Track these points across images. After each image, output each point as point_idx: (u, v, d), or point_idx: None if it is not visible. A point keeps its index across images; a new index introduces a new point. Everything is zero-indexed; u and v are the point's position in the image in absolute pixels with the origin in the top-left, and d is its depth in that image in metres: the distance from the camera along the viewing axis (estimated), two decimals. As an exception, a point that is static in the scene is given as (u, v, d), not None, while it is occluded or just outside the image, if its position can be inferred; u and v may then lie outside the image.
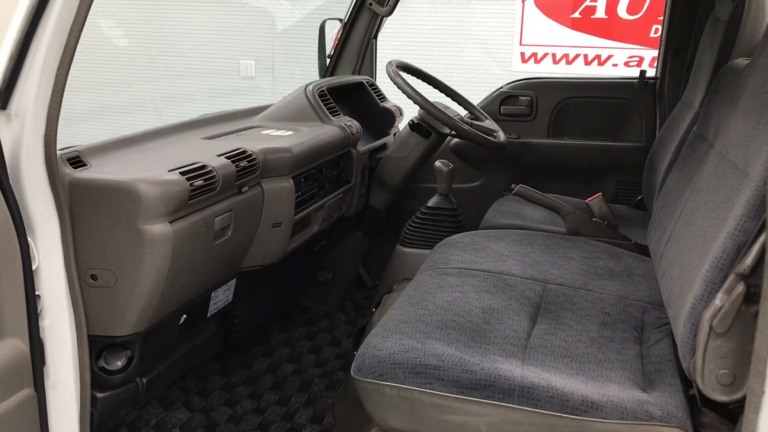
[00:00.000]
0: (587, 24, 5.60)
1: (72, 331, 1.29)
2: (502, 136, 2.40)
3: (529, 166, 2.73)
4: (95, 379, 1.39)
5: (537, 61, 5.76)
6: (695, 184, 1.54)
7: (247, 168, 1.60)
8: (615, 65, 5.60)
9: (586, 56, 5.64)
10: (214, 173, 1.48)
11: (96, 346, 1.39)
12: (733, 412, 1.18)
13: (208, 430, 1.84)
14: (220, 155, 1.57)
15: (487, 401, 1.23)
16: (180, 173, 1.40)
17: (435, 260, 1.81)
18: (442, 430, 1.26)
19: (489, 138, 2.29)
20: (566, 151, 2.72)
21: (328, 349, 2.28)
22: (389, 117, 2.62)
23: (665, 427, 1.18)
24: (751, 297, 1.08)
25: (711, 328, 1.12)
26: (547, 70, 5.69)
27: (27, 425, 1.19)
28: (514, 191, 2.14)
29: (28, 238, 1.20)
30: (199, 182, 1.42)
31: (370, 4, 2.69)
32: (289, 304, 2.44)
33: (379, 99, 2.66)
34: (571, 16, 5.61)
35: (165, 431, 1.79)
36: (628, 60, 5.56)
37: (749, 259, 1.07)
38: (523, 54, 5.79)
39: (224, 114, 2.11)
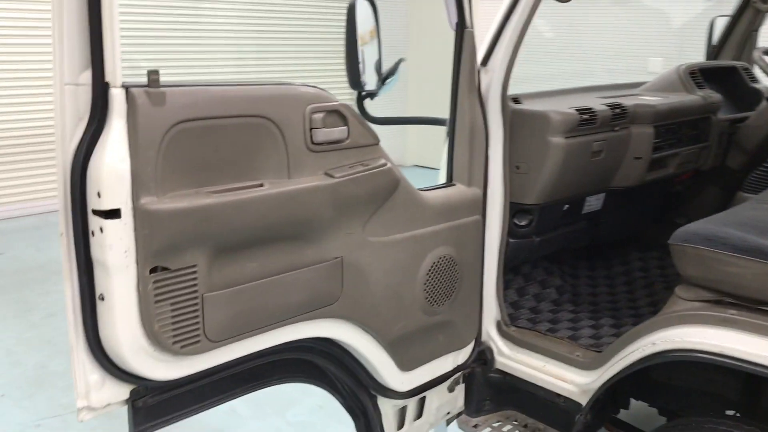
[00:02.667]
0: None
1: (501, 195, 2.27)
2: None
3: None
4: (510, 229, 2.36)
5: None
6: None
7: (619, 114, 2.42)
8: None
9: None
10: (596, 113, 2.33)
11: (513, 209, 2.36)
12: None
13: (574, 295, 2.71)
14: (603, 104, 2.41)
15: (753, 259, 1.86)
16: (575, 109, 2.29)
17: (763, 196, 2.39)
18: (720, 276, 1.93)
19: None
20: None
21: (672, 269, 2.96)
22: (756, 96, 3.12)
23: None
24: None
25: None
26: None
27: (477, 237, 2.20)
28: None
29: (490, 140, 2.21)
30: (585, 116, 2.29)
31: (754, 2, 3.22)
32: (647, 231, 3.16)
33: (751, 81, 3.18)
34: None
35: (546, 287, 2.72)
36: None
37: None
38: None
39: (615, 84, 2.94)
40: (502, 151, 2.25)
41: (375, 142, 1.83)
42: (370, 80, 2.18)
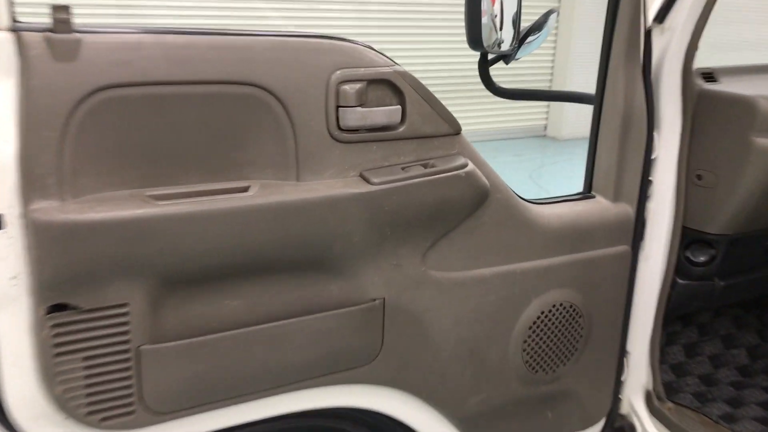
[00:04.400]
0: None
1: (670, 217, 1.54)
2: None
3: None
4: (679, 265, 1.62)
5: None
6: None
7: None
8: None
9: None
10: None
11: (686, 237, 1.62)
12: None
13: (775, 363, 1.89)
14: None
15: None
16: None
17: None
18: None
19: None
20: None
21: None
22: None
23: None
24: None
25: None
26: None
27: (619, 275, 1.51)
28: None
29: (654, 132, 1.48)
30: (820, 109, 1.47)
31: None
32: None
33: None
34: None
35: (732, 346, 1.92)
36: None
37: None
38: None
39: None
40: (678, 151, 1.51)
41: (453, 131, 1.21)
42: (504, 39, 1.58)
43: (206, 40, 0.99)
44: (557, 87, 8.16)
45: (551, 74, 8.24)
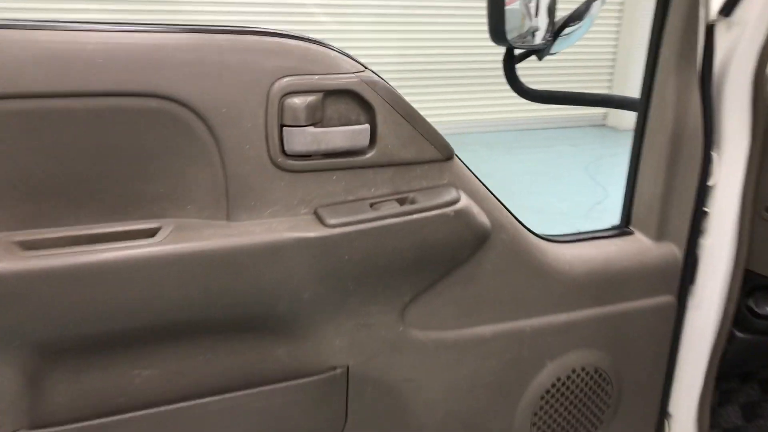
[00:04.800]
0: None
1: (730, 258, 1.23)
2: None
3: None
4: (738, 316, 1.32)
5: None
6: None
7: None
8: None
9: None
10: None
11: (749, 283, 1.31)
12: None
13: None
14: None
15: None
16: None
17: None
18: None
19: None
20: None
21: None
22: None
23: None
24: None
25: None
26: None
27: (660, 330, 1.22)
28: None
29: (712, 152, 1.18)
30: None
31: None
32: None
33: None
34: None
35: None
36: None
37: None
38: None
39: None
40: (743, 177, 1.21)
41: (441, 156, 0.94)
42: (539, 28, 1.32)
43: (96, 38, 0.75)
44: (619, 83, 7.68)
45: (612, 65, 7.74)
